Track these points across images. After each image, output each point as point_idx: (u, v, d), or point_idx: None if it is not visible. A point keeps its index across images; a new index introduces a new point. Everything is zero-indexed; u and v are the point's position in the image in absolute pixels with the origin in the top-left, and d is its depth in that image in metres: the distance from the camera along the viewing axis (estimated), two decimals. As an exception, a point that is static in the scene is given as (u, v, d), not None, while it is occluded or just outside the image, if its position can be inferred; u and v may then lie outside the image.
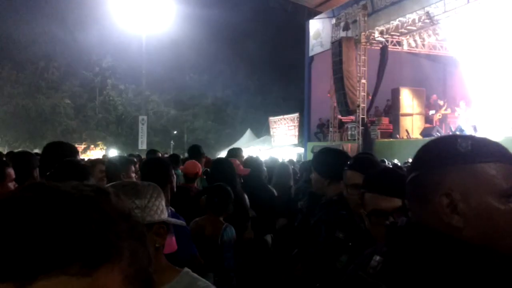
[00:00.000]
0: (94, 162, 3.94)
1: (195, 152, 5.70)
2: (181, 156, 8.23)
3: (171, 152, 27.65)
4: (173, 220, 1.68)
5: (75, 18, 34.01)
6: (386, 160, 9.51)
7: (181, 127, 39.81)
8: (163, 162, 3.32)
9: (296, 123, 23.82)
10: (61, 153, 3.08)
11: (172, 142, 37.94)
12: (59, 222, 0.49)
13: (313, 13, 23.21)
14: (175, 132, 39.78)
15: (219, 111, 40.42)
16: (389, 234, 1.05)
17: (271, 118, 25.91)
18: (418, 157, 1.06)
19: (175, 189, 3.13)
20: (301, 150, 22.50)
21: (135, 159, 5.94)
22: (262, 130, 29.20)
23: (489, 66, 17.32)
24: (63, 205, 0.50)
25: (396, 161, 10.66)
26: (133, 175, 3.59)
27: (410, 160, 1.23)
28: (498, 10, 14.72)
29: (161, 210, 1.49)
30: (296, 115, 23.91)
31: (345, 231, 2.34)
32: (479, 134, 14.41)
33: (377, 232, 1.63)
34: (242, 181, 4.54)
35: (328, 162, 2.79)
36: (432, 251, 0.93)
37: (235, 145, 25.77)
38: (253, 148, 23.08)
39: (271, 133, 25.84)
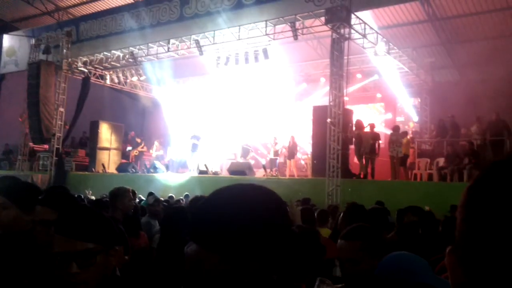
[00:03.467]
0: None
1: None
2: None
3: None
4: None
5: None
6: (82, 195, 9.12)
7: None
8: None
9: (-25, 147, 20.48)
10: None
11: None
12: None
13: (8, 28, 20.89)
14: None
15: None
16: None
17: None
18: None
19: None
20: (-21, 178, 19.39)
21: None
22: None
23: (185, 110, 19.22)
24: None
25: (90, 194, 10.35)
26: None
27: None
28: (199, 61, 16.63)
29: None
30: (-24, 137, 20.61)
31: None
32: (169, 172, 15.59)
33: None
34: None
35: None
36: None
37: None
38: None
39: None
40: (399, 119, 17.49)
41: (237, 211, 0.98)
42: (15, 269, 2.17)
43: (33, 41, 17.80)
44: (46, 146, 17.45)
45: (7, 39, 19.86)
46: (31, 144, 18.00)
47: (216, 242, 0.97)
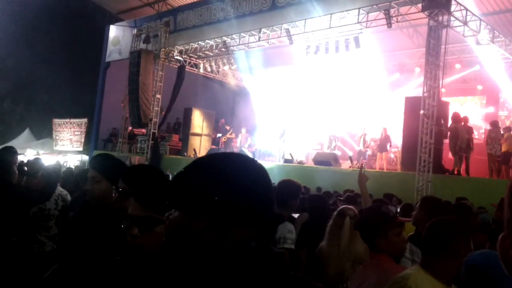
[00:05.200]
0: None
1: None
2: None
3: None
4: None
5: None
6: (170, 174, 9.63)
7: None
8: None
9: (83, 129, 22.37)
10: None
11: None
12: None
13: (114, 19, 22.48)
14: None
15: (-7, 105, 35.23)
16: None
17: (56, 120, 23.77)
18: None
19: None
20: (85, 158, 21.23)
21: None
22: (43, 132, 26.54)
23: (274, 99, 19.38)
24: None
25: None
26: None
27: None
28: (288, 51, 16.65)
29: None
30: (84, 120, 22.47)
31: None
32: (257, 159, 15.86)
33: None
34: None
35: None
36: None
37: (9, 145, 22.80)
38: (30, 151, 20.79)
39: (54, 136, 23.70)
40: (502, 113, 16.18)
41: (222, 178, 0.99)
42: (103, 237, 2.38)
43: (135, 31, 18.96)
44: (143, 130, 18.60)
45: (113, 30, 21.36)
46: (130, 128, 19.27)
47: (203, 208, 0.99)
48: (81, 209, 2.97)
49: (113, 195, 2.33)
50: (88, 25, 22.24)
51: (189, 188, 1.02)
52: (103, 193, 2.60)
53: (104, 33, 21.70)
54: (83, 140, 22.09)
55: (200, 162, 1.07)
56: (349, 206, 3.33)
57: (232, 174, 1.01)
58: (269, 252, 1.02)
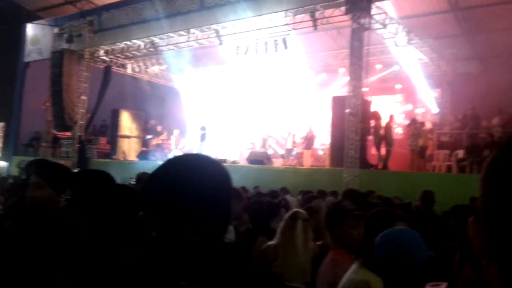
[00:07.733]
0: None
1: None
2: None
3: None
4: None
5: None
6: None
7: None
8: None
9: (0, 134, 20.99)
10: None
11: None
12: None
13: (32, 17, 21.27)
14: None
15: None
16: None
17: (-32, 125, 22.14)
18: None
19: None
20: (3, 164, 19.93)
21: None
22: (-46, 137, 24.54)
23: (204, 99, 19.34)
24: None
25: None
26: None
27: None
28: (218, 51, 16.68)
29: None
30: (1, 124, 21.10)
31: None
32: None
33: None
34: None
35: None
36: None
37: None
38: None
39: (-33, 142, 22.03)
40: (419, 110, 17.34)
41: (163, 183, 1.14)
42: (48, 245, 2.31)
43: (56, 30, 18.08)
44: (68, 134, 17.81)
45: (31, 28, 20.21)
46: (54, 131, 18.38)
47: (149, 208, 1.19)
48: (19, 217, 2.86)
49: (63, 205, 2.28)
50: (3, 23, 20.86)
51: (144, 192, 1.21)
52: (47, 200, 2.53)
53: (21, 32, 20.46)
54: (0, 145, 20.73)
55: (157, 170, 1.18)
56: (300, 210, 3.51)
57: (175, 179, 1.14)
58: (210, 243, 1.15)
